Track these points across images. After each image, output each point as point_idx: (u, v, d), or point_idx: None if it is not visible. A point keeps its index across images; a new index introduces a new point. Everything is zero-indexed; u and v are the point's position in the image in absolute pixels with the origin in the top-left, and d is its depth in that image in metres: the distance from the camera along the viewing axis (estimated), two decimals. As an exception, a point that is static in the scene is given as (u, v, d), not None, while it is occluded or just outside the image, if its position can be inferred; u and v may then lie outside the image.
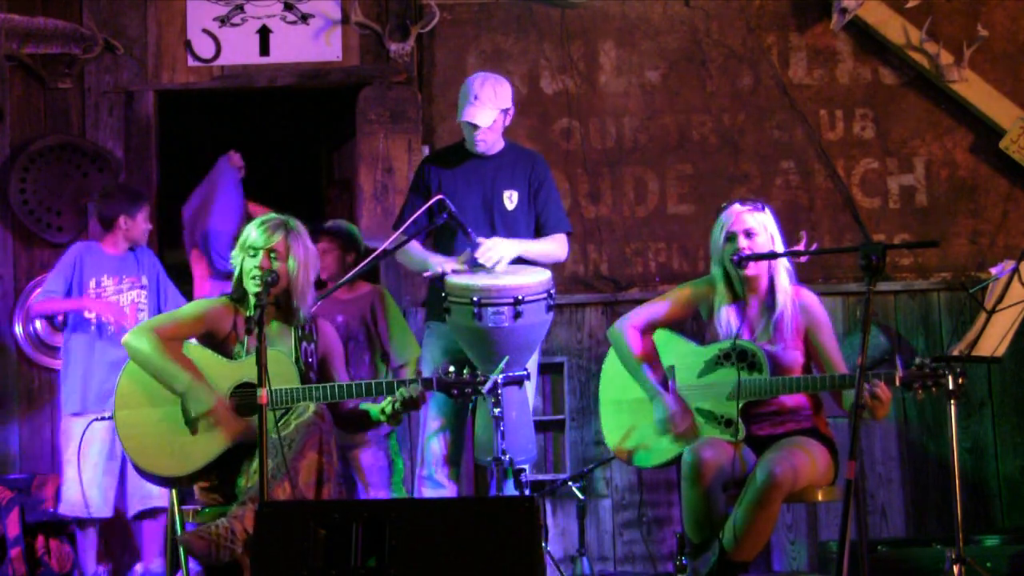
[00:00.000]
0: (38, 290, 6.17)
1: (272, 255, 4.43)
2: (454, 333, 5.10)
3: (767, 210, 4.60)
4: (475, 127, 5.22)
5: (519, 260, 5.18)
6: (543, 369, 6.10)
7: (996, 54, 6.57)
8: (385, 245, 5.11)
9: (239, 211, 6.56)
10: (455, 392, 4.41)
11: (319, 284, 4.80)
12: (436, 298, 5.14)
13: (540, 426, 6.21)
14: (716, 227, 4.58)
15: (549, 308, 5.05)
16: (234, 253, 4.53)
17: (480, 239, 5.03)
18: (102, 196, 6.07)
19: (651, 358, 4.63)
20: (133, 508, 5.84)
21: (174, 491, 4.53)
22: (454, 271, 5.03)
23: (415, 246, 5.22)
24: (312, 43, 6.62)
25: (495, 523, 3.49)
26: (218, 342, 4.49)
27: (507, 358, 4.58)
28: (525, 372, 4.62)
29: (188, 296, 6.28)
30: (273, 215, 4.56)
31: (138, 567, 5.98)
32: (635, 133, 6.63)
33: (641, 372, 4.59)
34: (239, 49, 6.62)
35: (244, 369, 4.37)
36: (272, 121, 8.05)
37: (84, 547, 5.89)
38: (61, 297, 5.88)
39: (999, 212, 6.55)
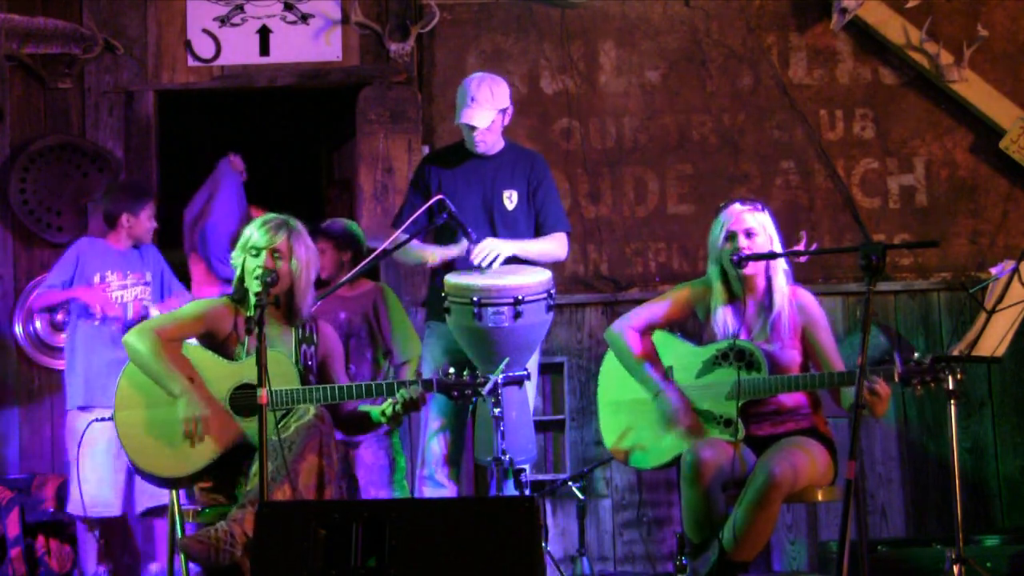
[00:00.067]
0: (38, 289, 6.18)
1: (275, 255, 4.43)
2: (454, 333, 5.10)
3: (766, 211, 4.60)
4: (473, 128, 5.22)
5: (518, 260, 5.18)
6: (543, 369, 6.09)
7: (996, 54, 6.57)
8: (385, 245, 5.12)
9: (239, 215, 6.56)
10: (455, 394, 4.41)
11: (318, 284, 4.80)
12: (436, 298, 5.14)
13: (540, 426, 6.21)
14: (715, 226, 4.58)
15: (549, 308, 5.05)
16: (235, 254, 4.52)
17: (473, 254, 5.03)
18: (105, 193, 6.07)
19: (651, 357, 4.62)
20: (141, 505, 5.82)
21: (174, 492, 4.53)
22: (455, 271, 5.04)
23: (413, 243, 5.22)
24: (312, 43, 6.63)
25: (495, 523, 3.49)
26: (218, 342, 4.49)
27: (507, 359, 4.58)
28: (525, 372, 4.61)
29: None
30: (274, 215, 4.55)
31: (153, 566, 5.96)
32: (635, 133, 6.63)
33: (643, 370, 4.59)
34: (239, 49, 6.62)
35: (244, 370, 4.37)
36: (272, 121, 8.05)
37: (86, 547, 5.88)
38: (59, 290, 5.88)
39: (999, 212, 6.55)
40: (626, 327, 4.66)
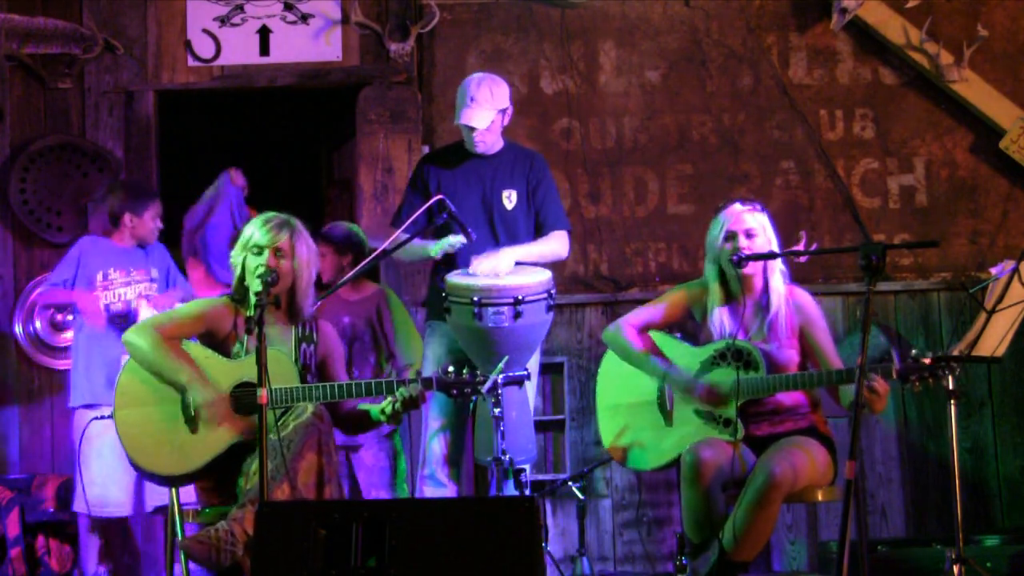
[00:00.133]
0: (40, 288, 6.19)
1: (278, 253, 4.42)
2: (454, 333, 5.10)
3: (765, 211, 4.60)
4: (472, 129, 5.22)
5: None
6: (543, 369, 6.09)
7: (996, 54, 6.57)
8: (385, 245, 5.11)
9: (240, 226, 6.54)
10: (455, 392, 4.40)
11: (319, 287, 4.80)
12: (437, 298, 5.14)
13: (540, 426, 6.21)
14: (714, 226, 4.58)
15: (549, 308, 5.05)
16: (234, 252, 4.50)
17: (476, 258, 5.03)
18: (109, 192, 6.06)
19: (653, 349, 4.62)
20: (151, 503, 5.80)
21: (174, 491, 4.53)
22: (456, 271, 5.04)
23: (413, 241, 5.21)
24: (312, 43, 6.63)
25: (495, 523, 3.49)
26: (218, 342, 4.48)
27: (507, 358, 4.58)
28: (525, 372, 4.61)
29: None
30: (273, 213, 4.54)
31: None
32: (635, 133, 6.63)
33: (647, 359, 4.58)
34: (239, 49, 6.62)
35: (244, 368, 4.37)
36: (272, 121, 8.05)
37: (87, 546, 5.88)
38: (62, 289, 5.88)
39: (999, 212, 6.55)
40: (624, 325, 4.67)
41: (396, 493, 5.78)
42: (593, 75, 6.66)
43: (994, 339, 4.85)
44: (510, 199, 5.30)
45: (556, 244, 5.31)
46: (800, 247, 5.06)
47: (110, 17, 6.61)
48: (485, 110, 5.21)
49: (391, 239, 5.11)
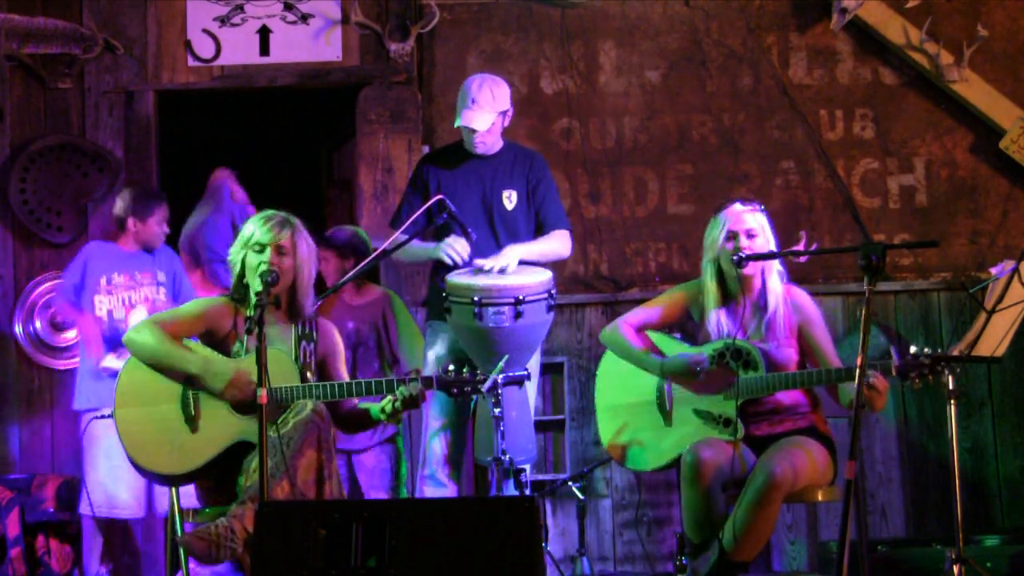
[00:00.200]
0: (44, 286, 6.22)
1: (280, 251, 4.41)
2: (455, 333, 5.10)
3: (763, 211, 4.60)
4: (473, 131, 5.22)
5: (523, 260, 5.17)
6: (543, 369, 6.09)
7: (996, 54, 6.57)
8: (384, 246, 5.11)
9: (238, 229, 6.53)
10: (455, 391, 4.40)
11: (322, 291, 4.80)
12: (437, 298, 5.14)
13: (540, 426, 6.21)
14: (714, 226, 4.57)
15: (550, 308, 5.05)
16: (234, 250, 4.47)
17: (479, 262, 5.03)
18: (115, 196, 6.07)
19: (651, 347, 4.62)
20: (163, 505, 5.81)
21: (174, 490, 4.53)
22: (456, 271, 5.04)
23: (413, 242, 5.22)
24: (312, 43, 6.63)
25: (495, 523, 3.49)
26: (218, 341, 4.47)
27: (507, 357, 4.58)
28: (525, 372, 4.61)
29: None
30: (272, 211, 4.53)
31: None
32: (635, 133, 6.63)
33: (644, 357, 4.57)
34: (239, 49, 6.62)
35: (244, 367, 4.36)
36: (272, 121, 8.05)
37: (90, 547, 5.88)
38: (71, 303, 5.87)
39: (999, 212, 6.55)
40: (622, 323, 4.67)
41: (396, 496, 5.77)
42: (593, 75, 6.65)
43: (994, 339, 4.85)
44: (510, 199, 5.30)
45: (558, 243, 5.32)
46: (800, 247, 5.07)
47: (110, 17, 6.61)
48: (486, 112, 5.21)
49: (391, 239, 5.11)
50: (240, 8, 6.62)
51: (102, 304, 5.88)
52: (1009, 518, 6.30)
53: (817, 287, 6.25)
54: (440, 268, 5.21)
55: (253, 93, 6.82)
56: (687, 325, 4.67)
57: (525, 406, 5.10)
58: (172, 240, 6.23)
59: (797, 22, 6.66)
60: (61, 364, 6.46)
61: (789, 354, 4.51)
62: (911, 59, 6.53)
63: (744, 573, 4.32)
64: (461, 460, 5.30)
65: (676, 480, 4.50)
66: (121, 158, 6.56)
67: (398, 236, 5.12)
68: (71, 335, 6.40)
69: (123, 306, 5.88)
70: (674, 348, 4.64)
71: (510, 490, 4.80)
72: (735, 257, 4.46)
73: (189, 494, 4.55)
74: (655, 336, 4.68)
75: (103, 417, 5.67)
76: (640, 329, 4.67)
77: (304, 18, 6.63)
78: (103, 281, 5.88)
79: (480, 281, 4.94)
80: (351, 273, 5.34)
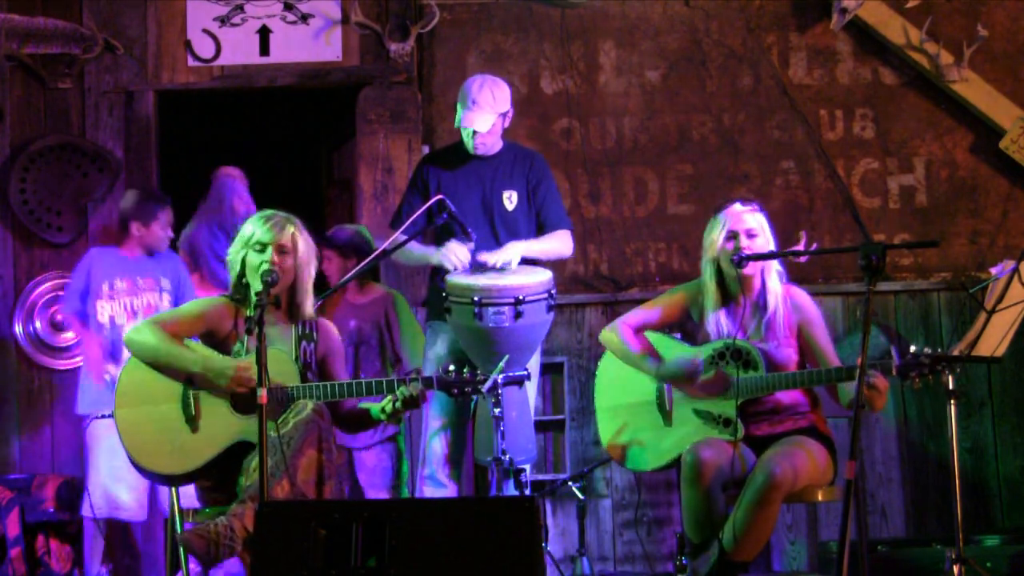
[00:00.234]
0: (44, 286, 6.21)
1: (282, 250, 4.41)
2: (455, 333, 5.10)
3: (763, 211, 4.61)
4: (474, 133, 5.22)
5: (525, 259, 5.17)
6: (543, 369, 6.09)
7: (996, 54, 6.57)
8: (384, 246, 5.12)
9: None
10: (455, 391, 4.40)
11: (324, 288, 4.79)
12: (437, 298, 5.14)
13: (540, 426, 6.21)
14: (714, 226, 4.57)
15: (550, 308, 5.05)
16: (233, 250, 4.47)
17: (482, 255, 5.03)
18: (121, 200, 6.06)
19: (649, 349, 4.62)
20: (166, 505, 5.80)
21: (174, 490, 4.53)
22: (455, 271, 5.04)
23: (412, 243, 5.22)
24: (312, 43, 6.63)
25: (495, 523, 3.48)
26: (218, 341, 4.47)
27: (507, 357, 4.58)
28: (525, 372, 4.61)
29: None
30: (271, 211, 4.53)
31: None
32: (635, 133, 6.63)
33: (642, 360, 4.58)
34: (239, 49, 6.62)
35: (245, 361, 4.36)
36: (272, 121, 8.05)
37: (92, 548, 5.88)
38: (76, 312, 5.88)
39: (999, 212, 6.55)
40: (621, 325, 4.67)
41: (397, 496, 5.77)
42: (593, 75, 6.66)
43: (994, 339, 4.85)
44: (511, 199, 5.30)
45: (560, 243, 5.32)
46: (800, 247, 5.07)
47: (110, 17, 6.61)
48: (486, 113, 5.21)
49: (391, 239, 5.11)
50: (240, 8, 6.62)
51: (104, 310, 5.88)
52: (1009, 518, 6.30)
53: (817, 287, 6.25)
54: (440, 268, 5.21)
55: (253, 93, 6.83)
56: (687, 325, 4.67)
57: (525, 406, 5.10)
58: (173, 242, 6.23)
59: (797, 22, 6.66)
60: (61, 364, 6.47)
61: (789, 354, 4.51)
62: (911, 59, 6.54)
63: (744, 573, 4.32)
64: (461, 460, 5.30)
65: (676, 480, 4.50)
66: (121, 158, 6.56)
67: (398, 236, 5.12)
68: (71, 335, 6.40)
69: (125, 312, 5.88)
70: (674, 348, 4.64)
71: (510, 490, 4.80)
72: (735, 257, 4.46)
73: (189, 494, 4.55)
74: (655, 336, 4.68)
75: (103, 417, 5.67)
76: (639, 330, 4.67)
77: (304, 18, 6.63)
78: (105, 287, 5.88)
79: (480, 281, 4.94)
80: (352, 273, 5.34)
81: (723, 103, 6.63)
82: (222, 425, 4.32)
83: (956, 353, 4.83)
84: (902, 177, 6.60)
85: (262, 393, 3.94)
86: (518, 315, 4.89)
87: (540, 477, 6.28)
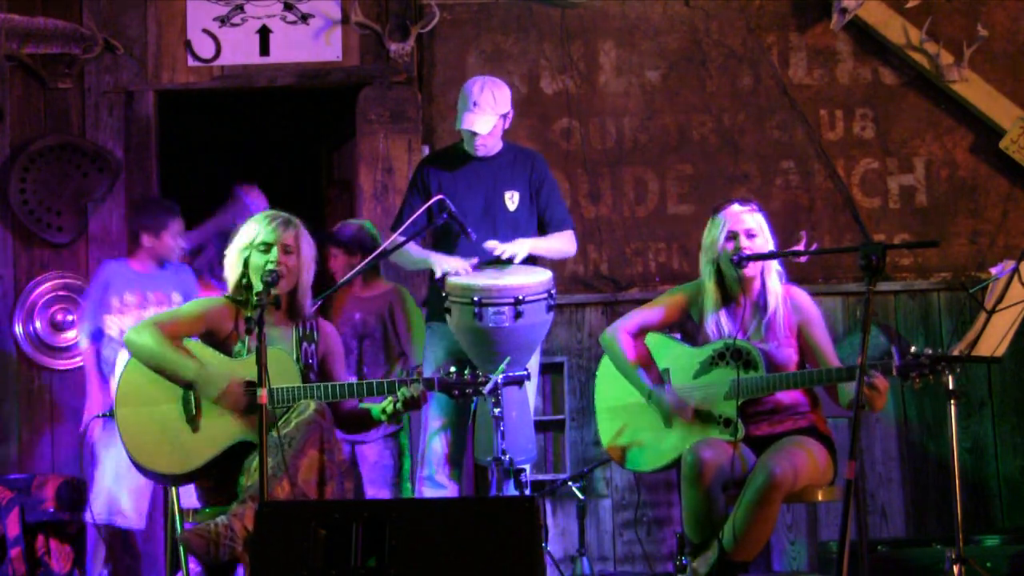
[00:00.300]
0: (44, 286, 6.23)
1: (286, 250, 4.41)
2: (455, 333, 5.10)
3: (761, 211, 4.61)
4: (475, 134, 5.22)
5: (528, 258, 5.18)
6: (543, 369, 6.10)
7: (996, 54, 6.57)
8: (385, 245, 5.12)
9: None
10: (456, 392, 4.40)
11: (330, 286, 4.79)
12: (437, 298, 5.14)
13: (540, 426, 6.21)
14: (713, 227, 4.56)
15: (549, 308, 5.05)
16: (235, 251, 4.47)
17: (491, 243, 5.04)
18: (131, 210, 6.05)
19: (645, 361, 4.62)
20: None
21: (174, 490, 4.53)
22: (456, 272, 5.04)
23: (413, 246, 5.22)
24: (312, 43, 6.63)
25: (495, 523, 3.49)
26: (219, 341, 4.47)
27: (508, 358, 4.58)
28: (525, 372, 4.61)
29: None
30: (273, 211, 4.53)
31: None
32: (635, 133, 6.63)
33: (636, 375, 4.59)
34: (239, 49, 6.62)
35: (245, 368, 4.36)
36: (272, 121, 8.05)
37: (95, 550, 5.89)
38: (91, 336, 5.87)
39: (999, 212, 6.55)
40: (620, 331, 4.65)
41: (399, 492, 5.77)
42: (593, 75, 6.66)
43: (994, 339, 4.85)
44: (513, 200, 5.30)
45: (565, 242, 5.34)
46: (800, 247, 5.06)
47: (110, 17, 6.61)
48: (487, 115, 5.20)
49: (391, 239, 5.12)
50: (240, 8, 6.62)
51: (113, 324, 5.86)
52: (1009, 518, 6.30)
53: (817, 287, 6.25)
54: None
55: (253, 93, 6.82)
56: (687, 326, 4.67)
57: (525, 406, 5.10)
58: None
59: (797, 22, 6.66)
60: (61, 364, 6.47)
61: (789, 354, 4.51)
62: (911, 59, 6.54)
63: (744, 573, 4.32)
64: (461, 460, 5.30)
65: (676, 480, 4.50)
66: (121, 158, 6.56)
67: (397, 236, 5.12)
68: (71, 335, 6.41)
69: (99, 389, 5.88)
70: (674, 349, 4.64)
71: (510, 490, 4.80)
72: (735, 257, 4.46)
73: (189, 494, 4.55)
74: (655, 338, 4.68)
75: (103, 416, 5.67)
76: (639, 333, 4.66)
77: (304, 18, 6.63)
78: (115, 301, 5.85)
79: (480, 281, 4.94)
80: (354, 271, 5.34)
81: (723, 103, 6.63)
82: (223, 425, 4.32)
83: (956, 353, 4.83)
84: (902, 177, 6.60)
85: (262, 393, 3.95)
86: (518, 315, 4.89)
87: (540, 477, 6.29)
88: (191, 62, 6.62)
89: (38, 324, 6.47)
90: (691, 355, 4.57)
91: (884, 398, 4.22)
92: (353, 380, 4.58)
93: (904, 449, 6.40)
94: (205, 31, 6.61)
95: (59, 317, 6.41)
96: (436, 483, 5.21)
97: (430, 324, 5.36)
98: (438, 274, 5.05)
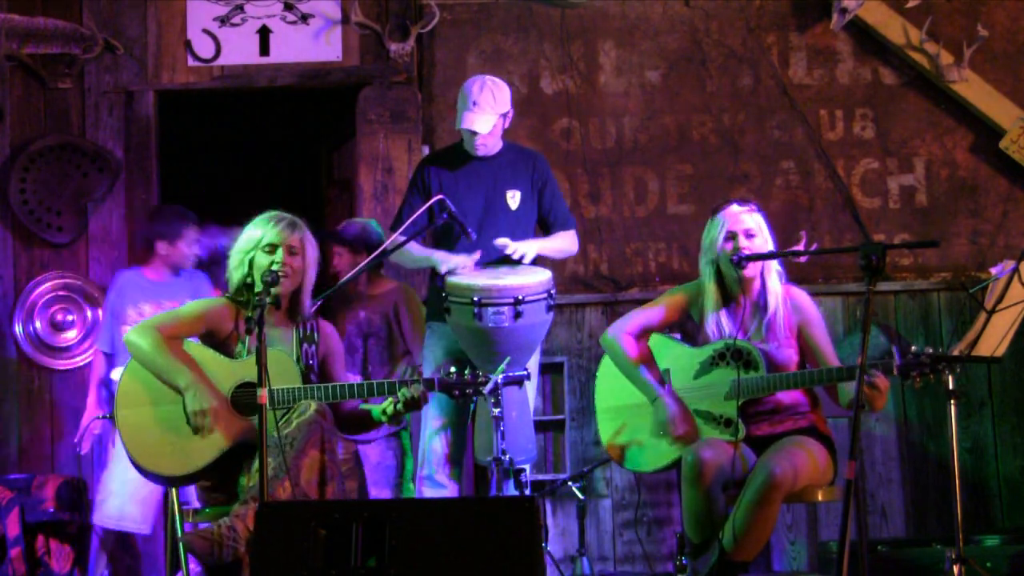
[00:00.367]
0: (44, 286, 6.22)
1: (292, 251, 4.41)
2: (454, 333, 5.10)
3: (760, 211, 4.61)
4: (475, 134, 5.22)
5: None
6: (543, 369, 6.09)
7: (996, 54, 6.57)
8: (385, 245, 5.12)
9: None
10: (456, 393, 4.41)
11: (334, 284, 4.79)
12: (437, 298, 5.14)
13: (540, 426, 6.21)
14: (712, 227, 4.57)
15: (549, 308, 5.05)
16: (239, 251, 4.47)
17: (503, 240, 5.04)
18: (145, 218, 6.04)
19: (648, 361, 4.62)
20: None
21: (174, 491, 4.53)
22: (455, 270, 5.04)
23: (414, 245, 5.22)
24: (312, 43, 6.63)
25: (495, 523, 3.49)
26: (219, 342, 4.47)
27: (508, 358, 4.58)
28: (525, 372, 4.61)
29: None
30: (276, 212, 4.53)
31: None
32: (635, 133, 6.63)
33: (639, 375, 4.58)
34: (239, 49, 6.62)
35: (245, 368, 4.36)
36: (272, 121, 8.05)
37: (97, 551, 5.89)
38: (107, 348, 5.88)
39: (999, 212, 6.55)
40: (621, 332, 4.65)
41: (401, 492, 5.77)
42: (593, 75, 6.66)
43: (994, 339, 4.85)
44: (514, 199, 5.30)
45: (569, 241, 5.36)
46: (800, 247, 5.07)
47: (110, 17, 6.61)
48: (487, 114, 5.20)
49: (391, 239, 5.12)
50: (240, 8, 6.62)
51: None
52: (1009, 518, 6.30)
53: (817, 287, 6.25)
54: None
55: (253, 93, 6.82)
56: (687, 326, 4.67)
57: (525, 406, 5.10)
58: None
59: (797, 22, 6.66)
60: (61, 364, 6.47)
61: (789, 354, 4.51)
62: (911, 59, 6.54)
63: (744, 573, 4.32)
64: (461, 460, 5.30)
65: (676, 480, 4.50)
66: (121, 158, 6.56)
67: (398, 236, 5.12)
68: (71, 335, 6.41)
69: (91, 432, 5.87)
70: (674, 349, 4.64)
71: (510, 490, 4.80)
72: (735, 257, 4.46)
73: (189, 494, 4.55)
74: (656, 338, 4.68)
75: (103, 417, 5.67)
76: (641, 334, 4.66)
77: (304, 18, 6.63)
78: (131, 311, 5.83)
79: (479, 281, 4.94)
80: (356, 270, 5.34)
81: (723, 103, 6.63)
82: (224, 426, 4.32)
83: (956, 353, 4.83)
84: (902, 177, 6.60)
85: (262, 393, 3.95)
86: (518, 315, 4.89)
87: (540, 477, 6.29)
88: (191, 62, 6.62)
89: (38, 324, 6.47)
90: (691, 355, 4.57)
91: (884, 398, 4.22)
92: (356, 380, 4.58)
93: (904, 449, 6.40)
94: (205, 31, 6.61)
95: (59, 317, 6.41)
96: (436, 483, 5.21)
97: (430, 324, 5.36)
98: (442, 271, 5.05)
